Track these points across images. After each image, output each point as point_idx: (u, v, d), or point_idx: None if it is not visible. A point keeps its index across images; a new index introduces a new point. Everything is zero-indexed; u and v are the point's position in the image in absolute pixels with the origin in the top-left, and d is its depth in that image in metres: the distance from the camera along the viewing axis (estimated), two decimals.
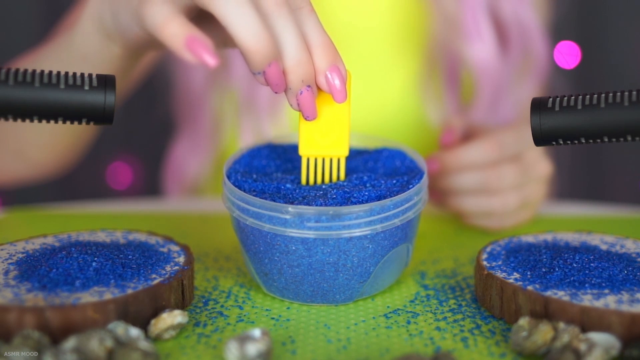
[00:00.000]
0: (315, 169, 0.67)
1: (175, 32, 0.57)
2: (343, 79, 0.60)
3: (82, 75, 0.57)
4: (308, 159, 0.66)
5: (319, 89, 0.62)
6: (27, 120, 0.57)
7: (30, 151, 0.93)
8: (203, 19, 0.63)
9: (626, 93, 0.56)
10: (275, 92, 0.60)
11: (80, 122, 0.57)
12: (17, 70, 0.56)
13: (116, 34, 0.67)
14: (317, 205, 0.62)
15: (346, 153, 0.66)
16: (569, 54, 1.57)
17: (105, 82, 0.57)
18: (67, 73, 0.57)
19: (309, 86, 0.60)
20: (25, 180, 1.00)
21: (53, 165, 0.95)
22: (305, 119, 0.62)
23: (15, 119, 0.56)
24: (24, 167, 0.96)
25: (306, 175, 0.67)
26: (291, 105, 0.61)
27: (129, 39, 0.66)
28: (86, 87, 0.57)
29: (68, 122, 0.57)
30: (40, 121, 0.57)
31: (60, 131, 0.89)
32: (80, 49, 0.71)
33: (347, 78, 0.62)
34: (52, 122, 0.57)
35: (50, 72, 0.57)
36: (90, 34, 0.69)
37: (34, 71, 0.56)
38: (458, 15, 0.99)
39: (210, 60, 0.56)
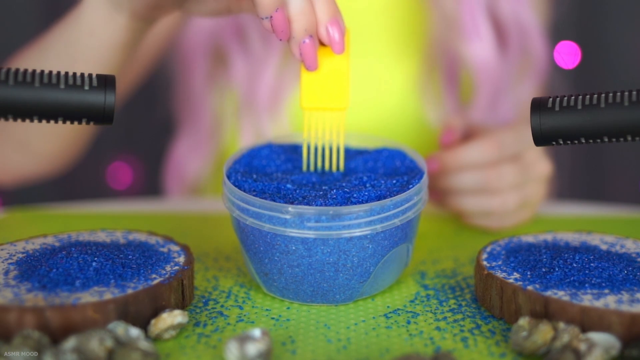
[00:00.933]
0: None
1: None
2: (342, 32, 0.65)
3: (82, 75, 0.57)
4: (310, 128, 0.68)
5: (320, 43, 0.65)
6: (27, 120, 0.57)
7: (35, 141, 0.92)
8: None
9: (626, 93, 0.56)
10: (280, 40, 0.64)
11: (80, 122, 0.57)
12: (17, 70, 0.56)
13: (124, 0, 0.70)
14: (317, 205, 0.62)
15: (347, 106, 0.68)
16: (568, 54, 1.57)
17: (105, 82, 0.57)
18: (67, 73, 0.57)
19: (310, 36, 0.64)
20: (30, 176, 0.99)
21: (58, 157, 0.95)
22: (307, 69, 0.66)
23: (15, 119, 0.56)
24: (29, 160, 0.95)
25: (307, 136, 0.68)
26: (294, 54, 0.65)
27: (137, 1, 0.70)
28: (86, 87, 0.57)
29: (68, 122, 0.57)
30: (40, 121, 0.57)
31: None
32: (87, 24, 0.74)
33: (345, 32, 0.65)
34: (52, 122, 0.57)
35: (50, 72, 0.57)
36: (96, 6, 0.73)
37: (34, 71, 0.56)
38: (457, 15, 0.99)
39: None
